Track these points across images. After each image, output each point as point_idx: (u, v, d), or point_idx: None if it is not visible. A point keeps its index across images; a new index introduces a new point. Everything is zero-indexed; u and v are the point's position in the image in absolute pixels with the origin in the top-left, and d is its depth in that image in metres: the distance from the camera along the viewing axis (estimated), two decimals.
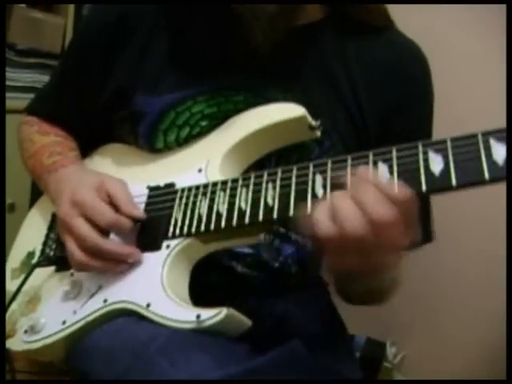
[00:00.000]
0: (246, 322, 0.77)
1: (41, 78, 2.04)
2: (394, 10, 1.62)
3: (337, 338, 1.00)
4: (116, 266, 0.84)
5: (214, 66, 0.93)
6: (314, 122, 0.85)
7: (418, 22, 1.66)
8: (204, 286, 0.85)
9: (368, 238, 0.64)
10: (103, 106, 0.98)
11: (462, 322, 1.77)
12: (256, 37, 0.86)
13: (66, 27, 2.07)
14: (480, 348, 1.74)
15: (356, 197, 0.65)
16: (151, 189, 0.92)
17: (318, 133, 0.87)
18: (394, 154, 0.71)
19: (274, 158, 0.91)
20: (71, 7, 2.07)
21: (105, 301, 0.83)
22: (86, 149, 1.08)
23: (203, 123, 0.93)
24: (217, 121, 0.93)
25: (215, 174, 0.87)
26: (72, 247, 0.85)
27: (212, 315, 0.73)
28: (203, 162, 0.89)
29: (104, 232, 0.85)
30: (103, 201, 0.86)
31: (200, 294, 0.82)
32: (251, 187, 0.79)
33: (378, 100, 0.92)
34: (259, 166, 0.90)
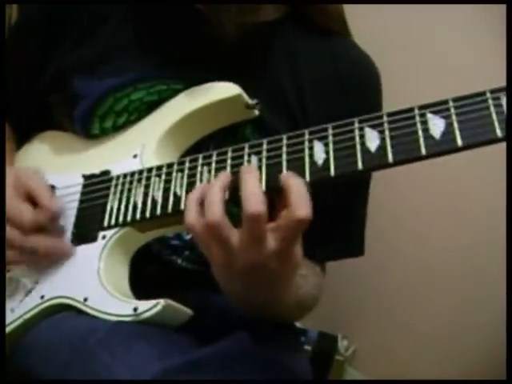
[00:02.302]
0: (186, 312, 0.75)
1: None
2: (391, 11, 1.62)
3: (282, 330, 0.98)
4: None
5: (160, 54, 0.90)
6: (250, 101, 0.83)
7: (418, 23, 1.68)
8: (145, 278, 0.83)
9: (224, 227, 0.65)
10: (41, 88, 0.95)
11: (412, 314, 1.79)
12: (225, 27, 0.84)
13: (11, 18, 1.98)
14: (429, 340, 1.76)
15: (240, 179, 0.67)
16: (86, 177, 0.88)
17: (256, 112, 0.85)
18: (330, 131, 0.69)
19: (212, 149, 0.88)
20: None
21: (42, 297, 0.80)
22: (24, 134, 1.04)
23: (142, 111, 0.90)
24: (156, 109, 0.89)
25: (151, 160, 0.84)
26: None
27: (149, 307, 0.71)
28: (138, 148, 0.86)
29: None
30: (21, 198, 0.83)
31: (142, 287, 0.80)
32: (186, 171, 0.77)
33: (325, 108, 0.90)
34: None
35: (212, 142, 0.88)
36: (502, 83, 0.59)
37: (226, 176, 0.70)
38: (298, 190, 0.65)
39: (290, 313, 0.87)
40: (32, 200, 0.83)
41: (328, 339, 1.85)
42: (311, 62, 0.92)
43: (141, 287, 0.81)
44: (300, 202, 0.64)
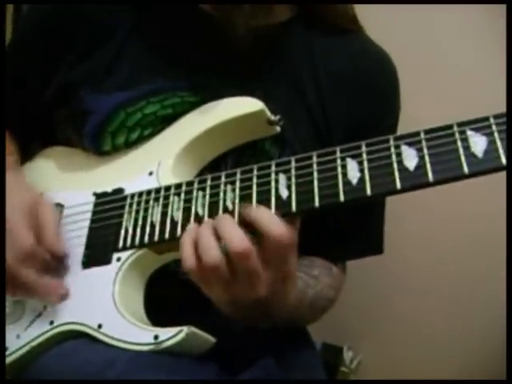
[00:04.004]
0: (209, 339, 0.71)
1: None
2: (391, 11, 1.59)
3: (301, 346, 0.96)
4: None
5: (170, 64, 0.87)
6: (273, 117, 0.80)
7: (418, 22, 1.66)
8: (158, 299, 0.79)
9: (223, 269, 0.65)
10: (46, 103, 0.91)
11: (416, 325, 1.77)
12: (237, 30, 0.82)
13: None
14: (432, 351, 1.74)
15: (216, 227, 0.67)
16: (98, 196, 0.84)
17: (278, 128, 0.81)
18: (364, 149, 0.66)
19: (230, 163, 0.86)
20: (10, 5, 1.95)
21: (51, 323, 0.76)
22: (29, 150, 1.00)
23: (156, 125, 0.86)
24: (172, 123, 0.86)
25: (168, 177, 0.80)
26: None
27: (171, 335, 0.67)
28: (154, 164, 0.82)
29: None
30: (30, 226, 0.78)
31: (154, 308, 0.77)
32: (208, 190, 0.73)
33: (344, 109, 0.89)
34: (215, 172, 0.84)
35: (230, 155, 0.85)
36: (502, 84, 0.57)
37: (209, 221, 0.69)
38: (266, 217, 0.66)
39: (301, 316, 0.86)
40: (38, 233, 0.79)
41: (333, 351, 1.82)
42: (328, 60, 0.90)
43: (153, 308, 0.77)
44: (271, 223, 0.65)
